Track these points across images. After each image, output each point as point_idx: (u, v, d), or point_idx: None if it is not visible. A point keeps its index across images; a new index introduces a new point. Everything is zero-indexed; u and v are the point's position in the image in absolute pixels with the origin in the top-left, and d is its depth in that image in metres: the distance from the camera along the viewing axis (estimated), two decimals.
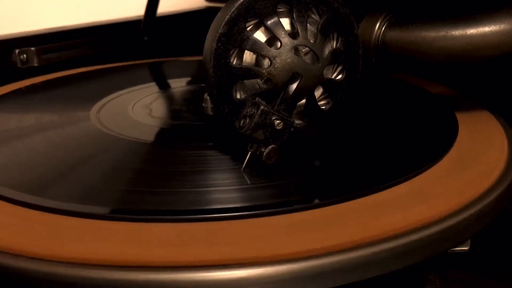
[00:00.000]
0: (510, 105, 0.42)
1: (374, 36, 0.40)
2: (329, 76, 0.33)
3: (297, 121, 0.32)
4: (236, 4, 0.30)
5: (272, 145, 0.30)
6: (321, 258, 0.23)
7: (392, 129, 0.39)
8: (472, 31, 0.34)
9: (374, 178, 0.30)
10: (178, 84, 0.54)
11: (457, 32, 0.35)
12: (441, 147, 0.34)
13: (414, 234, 0.25)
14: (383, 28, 0.40)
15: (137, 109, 0.45)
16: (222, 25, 0.30)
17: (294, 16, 0.31)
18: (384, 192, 0.29)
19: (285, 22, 0.31)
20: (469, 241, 0.28)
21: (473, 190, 0.29)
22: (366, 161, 0.33)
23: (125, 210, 0.27)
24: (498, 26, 0.34)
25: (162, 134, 0.39)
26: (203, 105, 0.44)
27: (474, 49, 0.35)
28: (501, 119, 0.39)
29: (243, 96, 0.31)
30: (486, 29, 0.34)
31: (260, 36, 0.31)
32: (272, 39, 0.31)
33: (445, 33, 0.36)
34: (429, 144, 0.36)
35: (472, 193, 0.29)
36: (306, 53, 0.31)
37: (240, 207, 0.27)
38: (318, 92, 0.33)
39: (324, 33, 0.32)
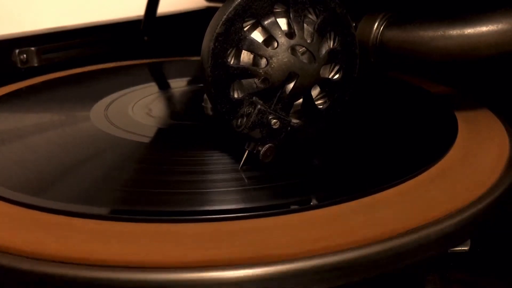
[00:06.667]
0: (510, 105, 0.42)
1: (372, 35, 0.40)
2: (326, 76, 0.33)
3: (294, 120, 0.32)
4: (233, 4, 0.30)
5: (269, 144, 0.30)
6: (320, 258, 0.23)
7: (391, 129, 0.39)
8: (469, 30, 0.35)
9: (373, 179, 0.30)
10: (178, 84, 0.54)
11: (455, 32, 0.35)
12: (441, 147, 0.34)
13: (414, 234, 0.25)
14: (381, 28, 0.40)
15: (137, 109, 0.45)
16: (219, 25, 0.30)
17: (291, 16, 0.31)
18: (383, 192, 0.29)
19: (282, 22, 0.31)
20: (469, 241, 0.27)
21: (473, 190, 0.29)
22: (365, 161, 0.33)
23: (124, 211, 0.27)
24: (495, 25, 0.34)
25: (161, 134, 0.39)
26: (203, 105, 0.44)
27: (471, 49, 0.35)
28: (502, 118, 0.39)
29: (240, 96, 0.31)
30: (483, 28, 0.34)
31: (257, 36, 0.31)
32: (269, 39, 0.31)
33: (443, 33, 0.36)
34: (428, 144, 0.36)
35: (472, 193, 0.29)
36: (303, 53, 0.31)
37: (239, 208, 0.27)
38: (315, 92, 0.33)
39: (321, 33, 0.32)
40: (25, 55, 0.57)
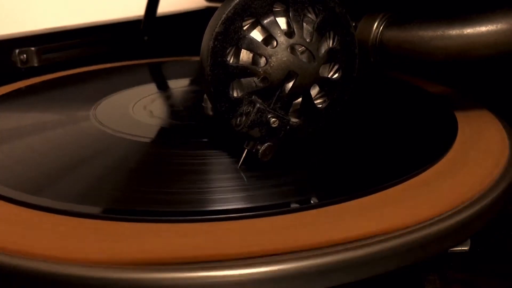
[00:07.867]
0: (510, 105, 0.42)
1: (372, 35, 0.40)
2: (325, 75, 0.33)
3: (293, 120, 0.32)
4: (233, 4, 0.30)
5: (268, 143, 0.30)
6: (320, 257, 0.23)
7: (391, 129, 0.39)
8: (469, 30, 0.35)
9: (372, 179, 0.30)
10: (178, 84, 0.54)
11: (454, 32, 0.35)
12: (441, 147, 0.34)
13: (414, 234, 0.25)
14: (381, 28, 0.40)
15: (137, 109, 0.45)
16: (219, 24, 0.30)
17: (290, 15, 0.31)
18: (383, 192, 0.29)
19: (282, 21, 0.31)
20: (469, 241, 0.28)
21: (473, 190, 0.29)
22: (364, 161, 0.33)
23: (124, 211, 0.27)
24: (495, 25, 0.34)
25: (162, 133, 0.39)
26: (203, 105, 0.44)
27: (471, 49, 0.35)
28: (501, 118, 0.39)
29: (239, 94, 0.31)
30: (483, 28, 0.34)
31: (256, 35, 0.31)
32: (269, 38, 0.31)
33: (442, 33, 0.36)
34: (428, 144, 0.36)
35: (472, 192, 0.29)
36: (302, 52, 0.31)
37: (238, 208, 0.27)
38: (314, 91, 0.33)
39: (320, 32, 0.32)
40: (25, 55, 0.57)
